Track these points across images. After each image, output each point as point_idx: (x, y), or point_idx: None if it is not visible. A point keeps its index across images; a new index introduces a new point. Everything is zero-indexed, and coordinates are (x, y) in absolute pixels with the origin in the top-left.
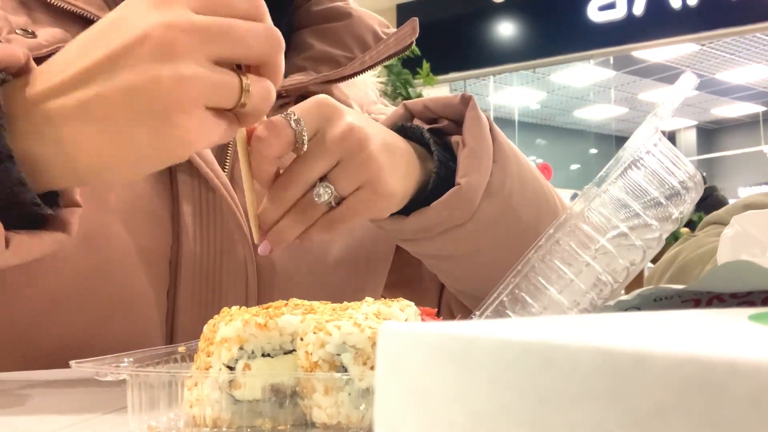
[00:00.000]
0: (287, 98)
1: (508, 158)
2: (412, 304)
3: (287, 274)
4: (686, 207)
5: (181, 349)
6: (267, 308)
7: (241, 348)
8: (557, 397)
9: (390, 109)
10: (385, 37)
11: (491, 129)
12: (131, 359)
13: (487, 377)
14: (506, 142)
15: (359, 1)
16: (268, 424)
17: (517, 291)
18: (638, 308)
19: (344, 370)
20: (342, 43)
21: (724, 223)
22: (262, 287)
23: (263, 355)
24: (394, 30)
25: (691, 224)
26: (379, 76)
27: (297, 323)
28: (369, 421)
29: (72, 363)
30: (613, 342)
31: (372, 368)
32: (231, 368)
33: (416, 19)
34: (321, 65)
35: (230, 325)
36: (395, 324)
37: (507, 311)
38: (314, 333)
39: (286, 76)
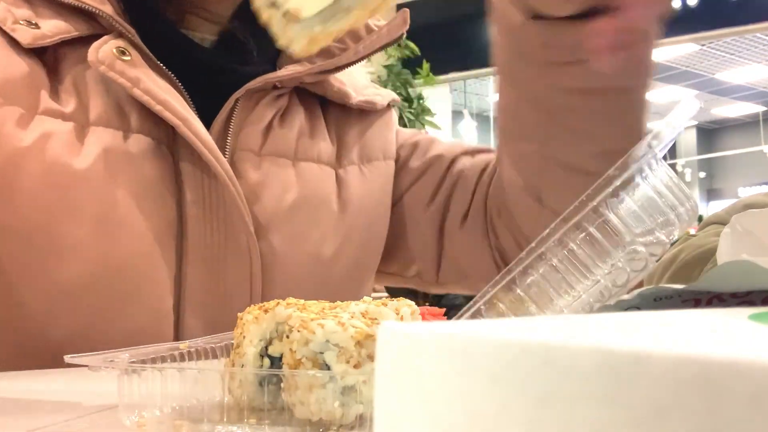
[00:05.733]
0: (283, 89)
1: None
2: (412, 303)
3: (288, 260)
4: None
5: (183, 345)
6: (262, 307)
7: None
8: (557, 397)
9: (384, 91)
10: (376, 28)
11: None
12: (127, 355)
13: (487, 377)
14: None
15: None
16: (253, 419)
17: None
18: (638, 308)
19: (327, 368)
20: None
21: (724, 223)
22: (266, 274)
23: None
24: (386, 21)
25: None
26: (374, 73)
27: None
28: (351, 418)
29: (66, 357)
30: (613, 342)
31: (355, 367)
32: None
33: (407, 10)
34: (314, 56)
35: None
36: (395, 324)
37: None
38: (298, 331)
39: (280, 67)
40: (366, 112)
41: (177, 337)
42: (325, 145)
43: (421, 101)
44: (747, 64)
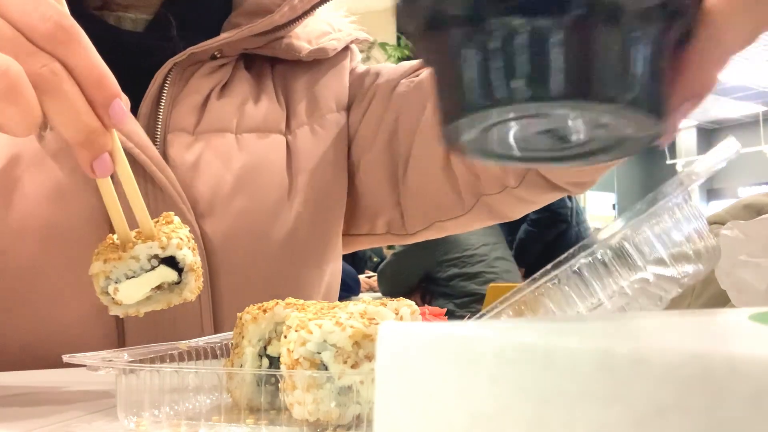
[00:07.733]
0: (224, 59)
1: None
2: (412, 303)
3: (235, 243)
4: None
5: (182, 345)
6: (261, 307)
7: (107, 278)
8: (557, 397)
9: (344, 33)
10: None
11: None
12: (125, 355)
13: (488, 377)
14: None
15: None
16: (251, 419)
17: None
18: None
19: (325, 368)
20: None
21: (724, 223)
22: (212, 260)
23: (129, 278)
24: None
25: None
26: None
27: (145, 249)
28: (349, 418)
29: (65, 357)
30: (613, 342)
31: (352, 367)
32: (108, 293)
33: None
34: (255, 18)
35: (93, 264)
36: (396, 323)
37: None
38: (296, 331)
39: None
40: (317, 62)
41: (119, 337)
42: (272, 111)
43: None
44: (747, 64)
